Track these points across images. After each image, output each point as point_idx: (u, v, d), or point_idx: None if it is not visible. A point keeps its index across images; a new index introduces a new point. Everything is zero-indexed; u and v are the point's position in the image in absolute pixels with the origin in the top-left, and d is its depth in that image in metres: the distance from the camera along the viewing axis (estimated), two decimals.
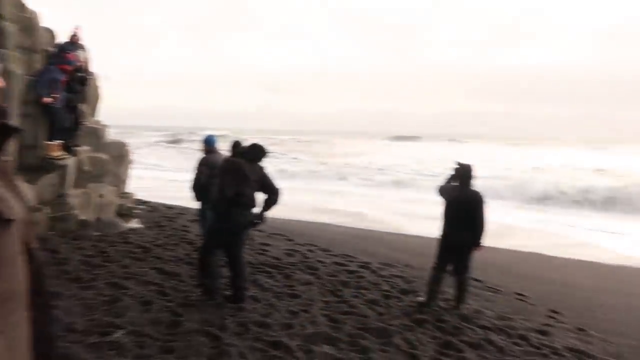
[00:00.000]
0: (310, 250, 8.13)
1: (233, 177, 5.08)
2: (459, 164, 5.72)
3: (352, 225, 11.76)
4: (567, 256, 10.08)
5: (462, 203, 5.56)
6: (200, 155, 6.72)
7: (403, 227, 12.04)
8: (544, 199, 18.53)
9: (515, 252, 10.19)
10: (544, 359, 4.68)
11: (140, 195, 11.03)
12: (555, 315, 6.12)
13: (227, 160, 5.41)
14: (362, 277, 6.69)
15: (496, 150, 48.43)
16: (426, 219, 11.31)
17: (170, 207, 11.03)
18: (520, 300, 6.64)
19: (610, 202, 17.68)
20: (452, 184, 5.75)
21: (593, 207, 17.35)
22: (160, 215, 9.91)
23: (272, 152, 12.01)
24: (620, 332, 5.71)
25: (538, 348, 4.88)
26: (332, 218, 12.61)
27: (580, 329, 5.70)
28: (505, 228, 12.88)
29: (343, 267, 7.15)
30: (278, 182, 5.29)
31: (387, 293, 6.08)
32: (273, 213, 5.48)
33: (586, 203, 17.78)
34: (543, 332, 5.35)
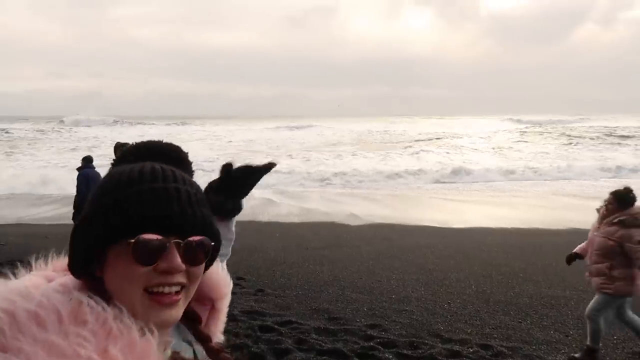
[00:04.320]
0: None
1: None
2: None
3: None
4: (262, 219, 11.08)
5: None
6: None
7: None
8: None
9: None
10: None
11: None
12: (240, 281, 6.49)
13: None
14: None
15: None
16: None
17: None
18: None
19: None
20: None
21: None
22: None
23: None
24: (291, 285, 6.46)
25: None
26: None
27: (259, 290, 6.20)
28: None
29: None
30: None
31: None
32: None
33: None
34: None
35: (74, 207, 8.06)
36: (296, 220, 11.59)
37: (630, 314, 4.48)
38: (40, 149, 31.21)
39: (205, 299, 1.00)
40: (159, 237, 0.77)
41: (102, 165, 7.78)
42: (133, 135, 30.59)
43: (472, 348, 4.59)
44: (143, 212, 0.77)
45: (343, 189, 17.16)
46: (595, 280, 4.48)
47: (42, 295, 0.72)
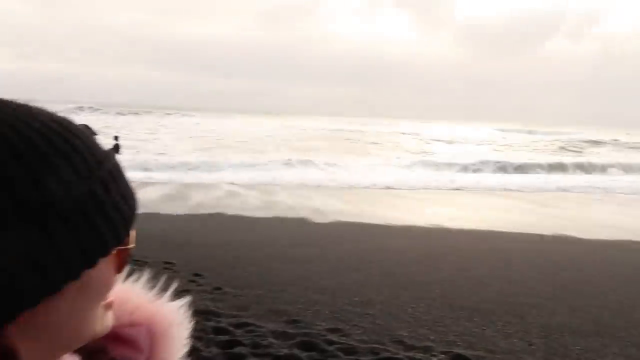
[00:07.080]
0: None
1: None
2: None
3: None
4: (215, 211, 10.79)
5: None
6: None
7: None
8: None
9: (173, 216, 10.20)
10: None
11: None
12: (197, 278, 6.17)
13: None
14: None
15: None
16: None
17: None
18: (167, 268, 6.45)
19: None
20: None
21: None
22: None
23: None
24: (250, 283, 6.16)
25: None
26: None
27: (217, 288, 5.88)
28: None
29: None
30: None
31: None
32: None
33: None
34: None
35: None
36: (261, 214, 11.27)
37: None
38: None
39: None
40: None
41: None
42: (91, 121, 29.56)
43: (436, 357, 4.43)
44: None
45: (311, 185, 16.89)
46: None
47: None
